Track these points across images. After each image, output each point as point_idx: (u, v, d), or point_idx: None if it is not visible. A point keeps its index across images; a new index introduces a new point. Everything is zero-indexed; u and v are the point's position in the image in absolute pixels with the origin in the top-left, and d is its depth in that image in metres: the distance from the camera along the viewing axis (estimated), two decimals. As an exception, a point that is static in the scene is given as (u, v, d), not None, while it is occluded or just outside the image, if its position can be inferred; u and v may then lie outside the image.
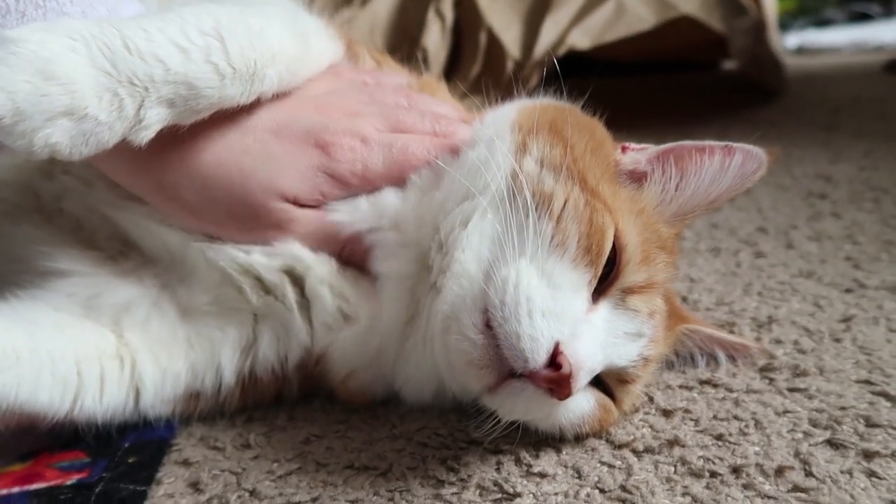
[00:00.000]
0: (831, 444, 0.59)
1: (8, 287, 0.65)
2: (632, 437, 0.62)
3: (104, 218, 0.67)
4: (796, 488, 0.54)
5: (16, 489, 0.58)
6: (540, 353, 0.53)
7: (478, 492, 0.56)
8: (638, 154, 0.68)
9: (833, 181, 1.36)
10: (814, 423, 0.62)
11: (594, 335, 0.57)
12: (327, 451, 0.63)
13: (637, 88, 2.71)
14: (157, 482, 0.60)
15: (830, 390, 0.66)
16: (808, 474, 0.56)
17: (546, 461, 0.60)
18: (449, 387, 0.66)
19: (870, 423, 0.61)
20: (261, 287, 0.65)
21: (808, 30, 4.64)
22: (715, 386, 0.69)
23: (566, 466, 0.59)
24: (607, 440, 0.62)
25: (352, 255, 0.66)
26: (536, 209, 0.59)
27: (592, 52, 1.67)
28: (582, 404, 0.60)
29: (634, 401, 0.65)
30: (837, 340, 0.76)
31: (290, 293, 0.65)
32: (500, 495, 0.56)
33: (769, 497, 0.54)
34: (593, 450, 0.61)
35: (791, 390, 0.67)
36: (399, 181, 0.65)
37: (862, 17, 4.67)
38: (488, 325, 0.55)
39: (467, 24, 1.79)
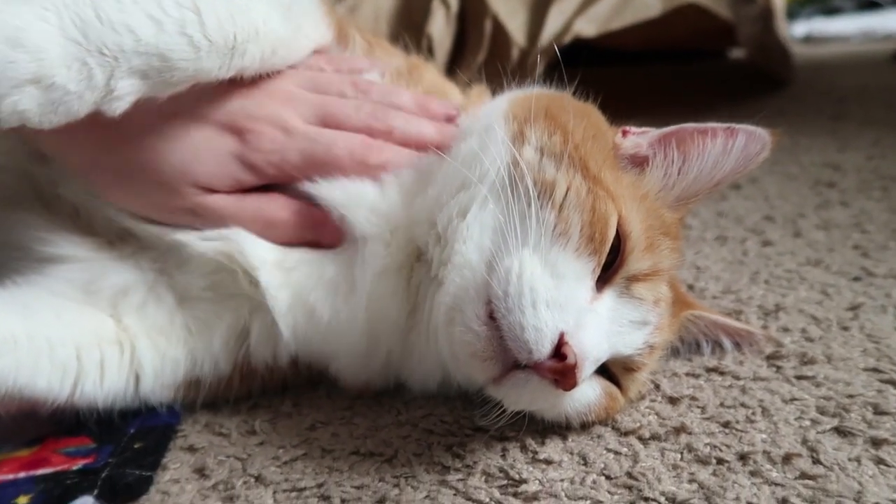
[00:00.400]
0: (839, 431, 0.59)
1: (7, 274, 0.65)
2: (638, 425, 0.61)
3: (100, 204, 0.66)
4: (804, 475, 0.54)
5: (22, 474, 0.58)
6: (544, 343, 0.53)
7: (483, 478, 0.56)
8: (639, 138, 0.68)
9: (841, 170, 1.35)
10: (821, 411, 0.61)
11: (599, 324, 0.57)
12: (332, 437, 0.63)
13: (643, 77, 2.70)
14: (162, 467, 0.60)
15: (838, 378, 0.66)
16: (816, 462, 0.55)
17: (552, 448, 0.59)
18: (454, 377, 0.66)
19: (878, 411, 0.61)
20: (249, 275, 0.64)
21: (816, 18, 4.60)
22: (722, 373, 0.68)
23: (572, 453, 0.59)
24: (613, 427, 0.62)
25: (320, 237, 0.65)
26: (539, 198, 0.58)
27: (599, 40, 1.65)
28: (587, 393, 0.60)
29: (640, 388, 0.64)
30: (845, 329, 0.75)
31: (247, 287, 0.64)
32: (505, 482, 0.56)
33: (776, 484, 0.53)
34: (599, 437, 0.61)
35: (798, 378, 0.67)
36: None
37: (871, 6, 4.62)
38: (492, 317, 0.55)
39: (472, 12, 1.78)
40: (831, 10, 4.78)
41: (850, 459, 0.55)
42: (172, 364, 0.65)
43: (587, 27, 1.61)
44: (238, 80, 0.62)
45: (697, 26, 2.01)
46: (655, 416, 0.63)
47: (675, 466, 0.56)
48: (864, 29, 3.88)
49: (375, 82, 0.71)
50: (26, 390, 0.57)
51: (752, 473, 0.54)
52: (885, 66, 2.69)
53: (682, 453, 0.58)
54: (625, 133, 0.69)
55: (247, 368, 0.67)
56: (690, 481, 0.54)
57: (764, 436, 0.59)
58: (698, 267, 0.94)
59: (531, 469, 0.57)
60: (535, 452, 0.59)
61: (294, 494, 0.56)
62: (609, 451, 0.59)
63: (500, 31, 1.71)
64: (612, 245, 0.58)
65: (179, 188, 0.60)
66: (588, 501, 0.53)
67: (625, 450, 0.59)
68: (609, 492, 0.54)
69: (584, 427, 0.62)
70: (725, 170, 0.65)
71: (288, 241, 0.65)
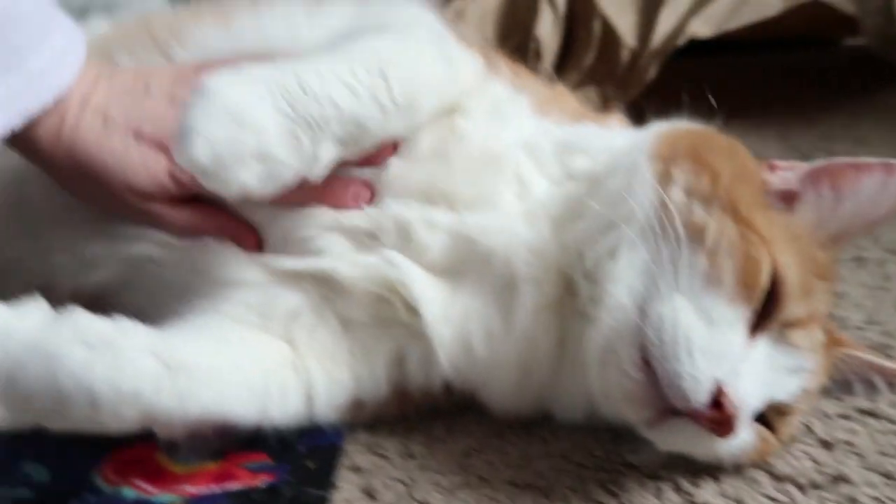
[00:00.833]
0: None
1: (188, 296, 0.70)
2: (793, 470, 0.62)
3: (261, 228, 0.71)
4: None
5: (215, 488, 0.64)
6: (702, 392, 0.54)
7: (642, 518, 0.58)
8: (788, 173, 0.67)
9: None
10: None
11: (755, 372, 0.57)
12: (487, 465, 0.67)
13: (753, 69, 2.57)
14: (334, 488, 0.65)
15: None
16: None
17: (707, 491, 0.61)
18: (601, 410, 0.67)
19: None
20: (408, 305, 0.67)
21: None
22: (877, 417, 0.68)
23: (728, 497, 0.60)
24: (768, 471, 0.62)
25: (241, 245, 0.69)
26: (689, 242, 0.58)
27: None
28: (742, 436, 0.60)
29: (793, 430, 0.65)
30: None
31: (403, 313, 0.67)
32: (664, 523, 0.58)
33: (949, 545, 0.53)
34: (754, 481, 0.62)
35: (963, 427, 0.65)
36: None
37: None
38: (646, 362, 0.56)
39: (580, 12, 1.76)
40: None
41: None
42: (340, 387, 0.69)
43: (702, 28, 1.57)
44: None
45: (815, 17, 1.92)
46: (811, 462, 0.63)
47: (837, 518, 0.56)
48: None
49: None
50: (225, 417, 0.62)
51: (922, 531, 0.54)
52: None
53: (842, 504, 0.58)
54: (773, 168, 0.68)
55: (403, 391, 0.71)
56: (856, 535, 0.55)
57: (930, 490, 0.58)
58: (837, 293, 0.92)
59: (689, 511, 0.59)
60: (691, 495, 0.60)
61: (461, 523, 0.60)
62: (766, 497, 0.60)
63: (609, 33, 1.69)
64: (767, 289, 0.58)
65: (125, 198, 0.67)
66: (751, 550, 0.54)
67: (782, 497, 0.59)
68: (771, 541, 0.55)
69: (737, 469, 0.63)
70: (882, 209, 0.64)
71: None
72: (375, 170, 0.67)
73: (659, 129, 0.71)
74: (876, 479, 0.60)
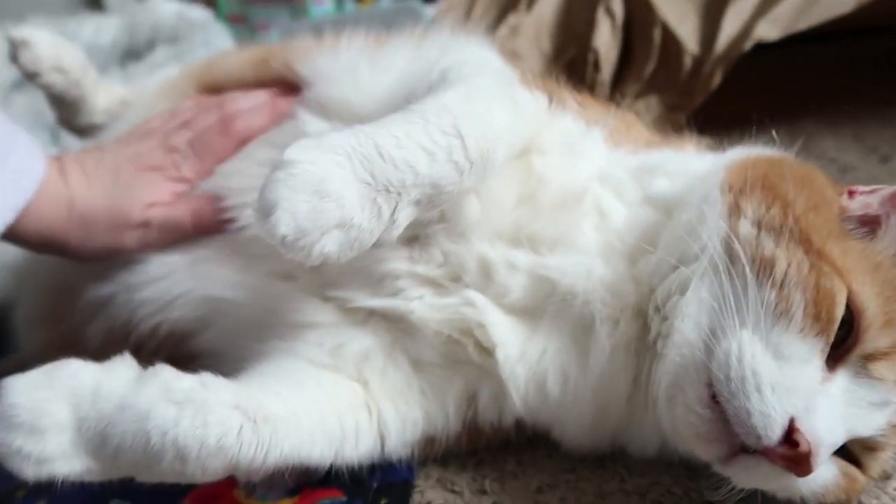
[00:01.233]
0: None
1: (265, 337, 0.73)
2: (888, 510, 0.59)
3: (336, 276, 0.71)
4: None
5: (291, 525, 0.66)
6: (774, 429, 0.52)
7: (726, 562, 0.57)
8: (868, 198, 0.64)
9: None
10: None
11: (832, 407, 0.55)
12: (561, 502, 0.66)
13: (823, 60, 2.44)
14: (408, 524, 0.66)
15: None
16: None
17: (794, 532, 0.58)
18: (674, 447, 0.66)
19: None
20: (481, 347, 0.68)
21: None
22: (980, 453, 0.63)
23: (817, 539, 0.57)
24: (860, 512, 0.59)
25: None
26: (757, 276, 0.57)
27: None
28: (823, 474, 0.58)
29: (884, 466, 0.61)
30: None
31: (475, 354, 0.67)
32: (750, 568, 0.56)
33: None
34: (845, 522, 0.59)
35: None
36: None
37: None
38: (715, 399, 0.55)
39: (639, 21, 1.72)
40: None
41: None
42: (412, 425, 0.69)
43: (770, 30, 1.51)
44: None
45: (890, 8, 1.82)
46: (907, 502, 0.60)
47: (941, 566, 0.53)
48: None
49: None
50: (304, 461, 0.63)
51: None
52: None
53: (946, 550, 0.54)
54: (851, 194, 0.65)
55: (474, 427, 0.71)
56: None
57: None
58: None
59: (776, 555, 0.56)
60: (777, 536, 0.58)
61: (536, 564, 0.59)
62: (859, 539, 0.57)
63: (670, 40, 1.65)
64: (846, 321, 0.56)
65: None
66: None
67: (877, 540, 0.56)
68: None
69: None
70: None
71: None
72: (460, 212, 0.67)
73: (733, 156, 0.70)
74: (983, 522, 0.56)
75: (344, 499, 0.69)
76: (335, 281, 0.70)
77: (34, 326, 0.91)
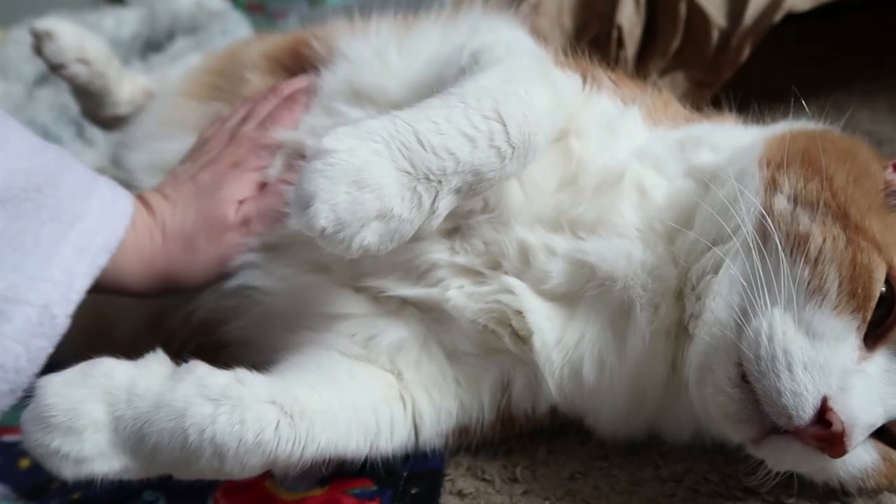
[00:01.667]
0: None
1: (297, 329, 0.72)
2: (936, 497, 0.57)
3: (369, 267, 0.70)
4: None
5: (324, 515, 0.66)
6: (805, 409, 0.51)
7: (767, 551, 0.55)
8: None
9: None
10: None
11: (870, 386, 0.53)
12: (595, 490, 0.65)
13: (852, 30, 2.36)
14: (439, 513, 0.65)
15: None
16: None
17: (837, 519, 0.57)
18: (708, 430, 0.65)
19: None
20: (517, 335, 0.67)
21: None
22: None
23: (861, 526, 0.56)
24: (906, 498, 0.58)
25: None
26: (791, 253, 0.55)
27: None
28: (862, 457, 0.57)
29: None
30: None
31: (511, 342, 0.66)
32: (792, 557, 0.54)
33: None
34: (891, 509, 0.57)
35: None
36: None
37: None
38: (745, 379, 0.54)
39: (663, -6, 1.68)
40: None
41: None
42: (446, 415, 0.69)
43: (801, 0, 1.46)
44: None
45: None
46: (957, 488, 0.58)
47: None
48: None
49: None
50: (340, 453, 0.63)
51: None
52: None
53: None
54: None
55: (507, 416, 0.70)
56: None
57: None
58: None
59: (819, 544, 0.55)
60: (818, 523, 0.57)
61: (570, 553, 0.58)
62: (906, 527, 0.55)
63: (696, 13, 1.60)
64: (887, 298, 0.54)
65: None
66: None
67: (925, 527, 0.54)
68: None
69: (863, 493, 0.58)
70: None
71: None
72: (504, 200, 0.65)
73: (773, 131, 0.68)
74: None
75: (374, 488, 0.69)
76: (370, 271, 0.69)
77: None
